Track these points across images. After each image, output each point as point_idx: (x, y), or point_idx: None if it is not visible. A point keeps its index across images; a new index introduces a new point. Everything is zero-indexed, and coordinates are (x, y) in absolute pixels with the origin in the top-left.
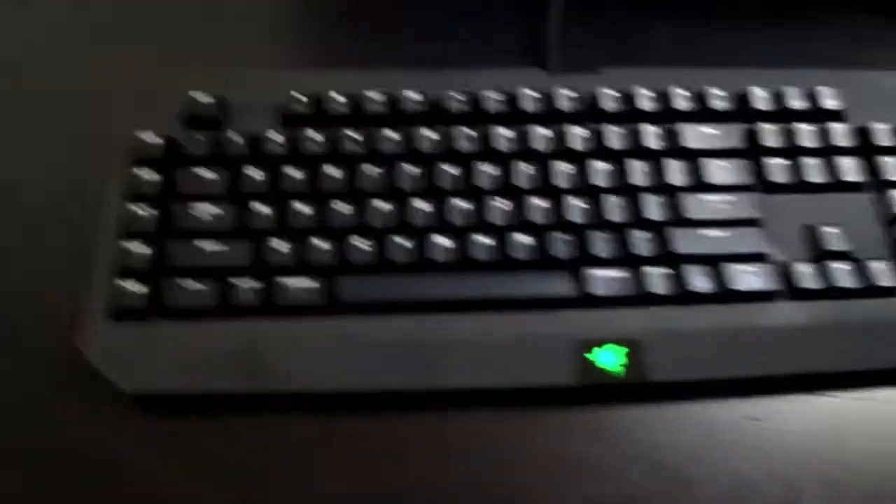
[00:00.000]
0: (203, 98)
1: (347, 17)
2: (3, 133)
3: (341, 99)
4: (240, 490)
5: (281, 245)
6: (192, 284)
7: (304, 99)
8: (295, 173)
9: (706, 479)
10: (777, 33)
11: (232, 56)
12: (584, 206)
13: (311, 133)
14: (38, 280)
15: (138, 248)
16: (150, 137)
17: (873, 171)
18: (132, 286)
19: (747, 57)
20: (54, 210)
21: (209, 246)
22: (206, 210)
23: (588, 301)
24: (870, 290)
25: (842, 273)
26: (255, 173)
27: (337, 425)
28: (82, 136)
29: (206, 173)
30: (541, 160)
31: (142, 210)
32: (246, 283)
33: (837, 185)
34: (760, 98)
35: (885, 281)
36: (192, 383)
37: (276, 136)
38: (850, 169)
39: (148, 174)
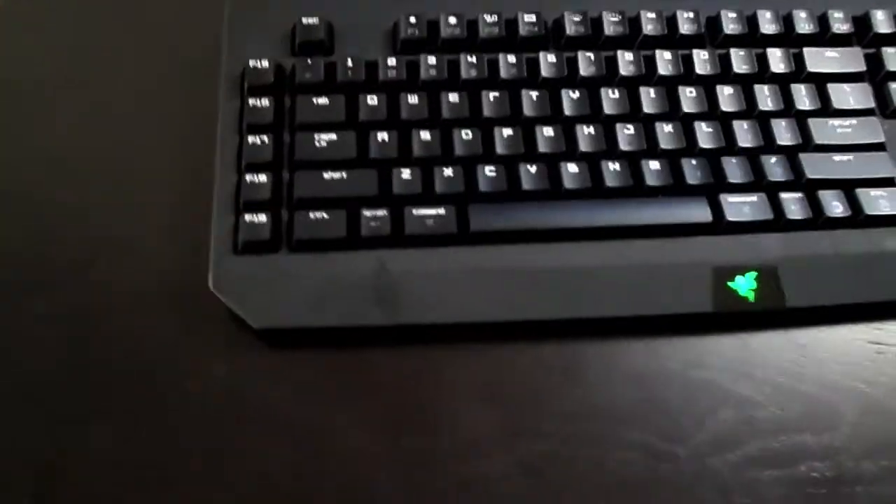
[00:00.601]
0: (311, 22)
1: None
2: (114, 74)
3: (454, 21)
4: (376, 423)
5: (407, 173)
6: (318, 215)
7: (416, 22)
8: (414, 100)
9: (839, 401)
10: None
11: None
12: (714, 131)
13: (429, 59)
14: (164, 218)
15: (260, 179)
16: (261, 64)
17: None
18: (256, 218)
19: None
20: (170, 146)
21: (334, 175)
22: (326, 138)
23: (724, 227)
24: None
25: None
26: (373, 100)
27: (472, 356)
28: (187, 63)
29: (323, 100)
30: (667, 84)
31: (259, 140)
32: (373, 213)
33: None
34: (881, 21)
35: None
36: (321, 317)
37: (392, 61)
38: None
39: (261, 102)
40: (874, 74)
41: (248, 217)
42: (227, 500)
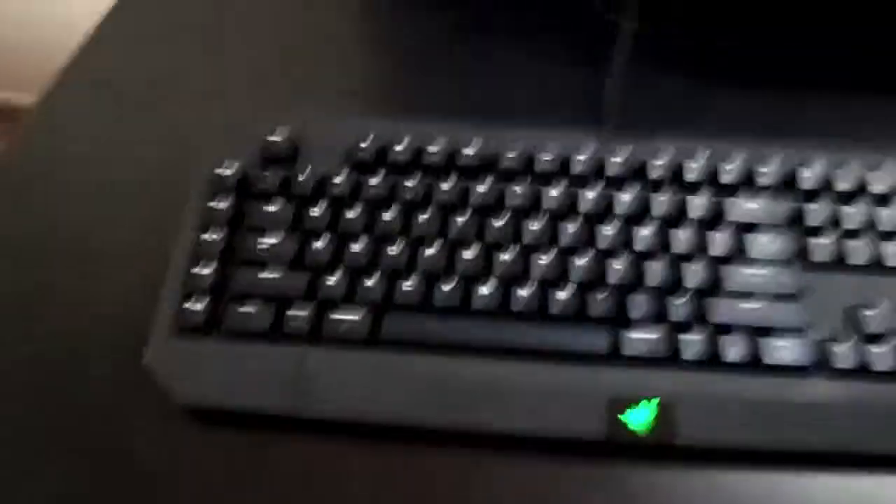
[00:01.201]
0: (278, 139)
1: (415, 66)
2: (100, 161)
3: (402, 148)
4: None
5: (333, 280)
6: (248, 309)
7: (369, 146)
8: (353, 214)
9: None
10: (844, 107)
11: (308, 101)
12: (625, 268)
13: (372, 179)
14: (120, 297)
15: (204, 271)
16: (226, 172)
17: None
18: (194, 305)
19: (806, 129)
20: (139, 234)
21: (269, 274)
22: (269, 241)
23: (622, 360)
24: None
25: (881, 356)
26: (317, 211)
27: (366, 453)
28: (169, 167)
29: (273, 207)
30: (588, 221)
31: (210, 237)
32: (297, 312)
33: (881, 268)
34: (807, 178)
35: None
36: (239, 400)
37: (340, 179)
38: (892, 254)
39: (220, 205)
40: (798, 227)
41: (187, 304)
42: None
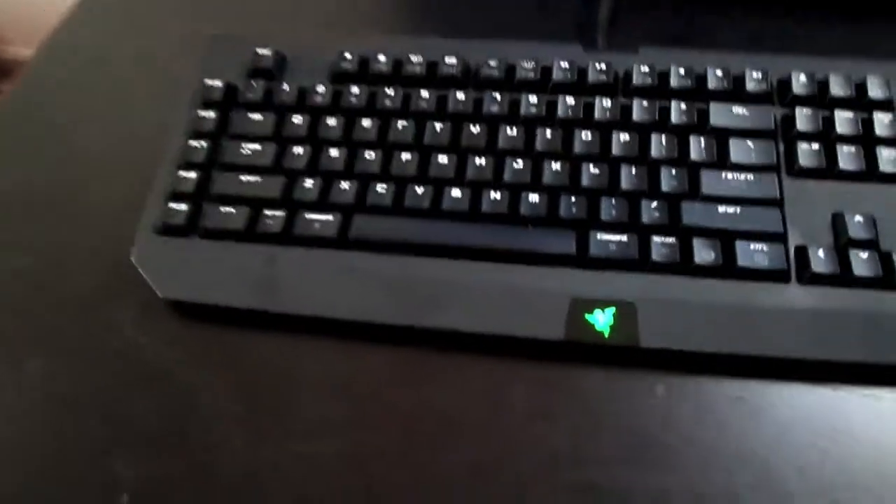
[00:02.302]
0: (264, 52)
1: None
2: (98, 79)
3: (383, 59)
4: (242, 393)
5: (308, 183)
6: (226, 209)
7: (351, 57)
8: (332, 122)
9: (678, 449)
10: (830, 25)
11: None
12: (600, 173)
13: (353, 88)
14: (112, 201)
15: (189, 175)
16: (214, 83)
17: None
18: (178, 206)
19: (800, 48)
20: (131, 144)
21: (249, 178)
22: (251, 147)
23: (587, 261)
24: (889, 283)
25: (861, 262)
26: (298, 119)
27: (332, 348)
28: (161, 79)
29: (257, 116)
30: (566, 127)
31: (197, 144)
32: (272, 213)
33: (874, 175)
34: (801, 83)
35: None
36: (214, 296)
37: (321, 89)
38: (890, 160)
39: (207, 114)
40: (787, 133)
41: (171, 204)
42: (93, 430)
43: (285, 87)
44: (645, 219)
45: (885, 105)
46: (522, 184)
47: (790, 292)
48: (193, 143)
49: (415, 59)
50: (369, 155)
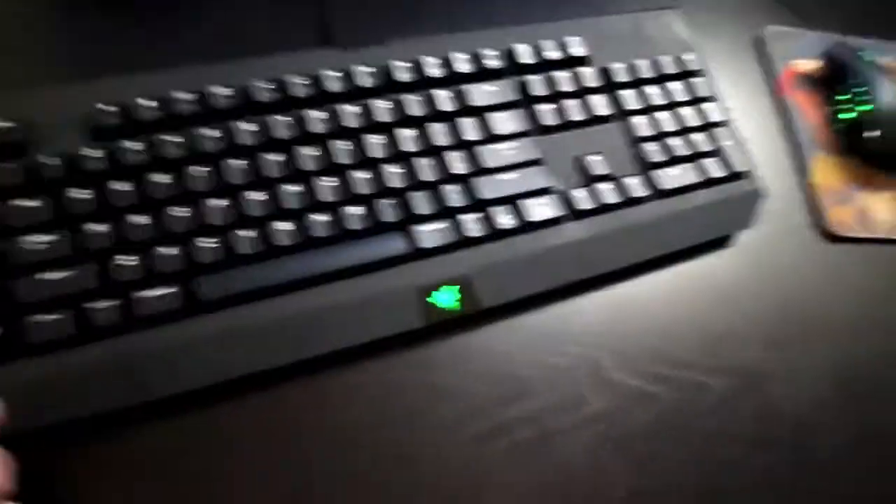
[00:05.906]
0: (3, 124)
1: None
2: None
3: (151, 104)
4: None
5: (127, 260)
6: (47, 317)
7: (113, 109)
8: (122, 186)
9: (532, 372)
10: None
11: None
12: (402, 171)
13: (128, 144)
14: None
15: None
16: None
17: (617, 103)
18: None
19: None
20: None
21: (53, 275)
22: (37, 240)
23: (419, 254)
24: (629, 202)
25: (607, 192)
26: (80, 193)
27: (225, 412)
28: None
29: (27, 203)
30: (354, 135)
31: None
32: (101, 304)
33: (593, 120)
34: (523, 53)
35: (637, 192)
36: (72, 410)
37: (93, 152)
38: (599, 104)
39: None
40: (526, 100)
41: None
42: None
43: (48, 159)
44: (453, 203)
45: (586, 61)
46: (339, 200)
47: (570, 229)
48: None
49: (183, 95)
50: (179, 211)
